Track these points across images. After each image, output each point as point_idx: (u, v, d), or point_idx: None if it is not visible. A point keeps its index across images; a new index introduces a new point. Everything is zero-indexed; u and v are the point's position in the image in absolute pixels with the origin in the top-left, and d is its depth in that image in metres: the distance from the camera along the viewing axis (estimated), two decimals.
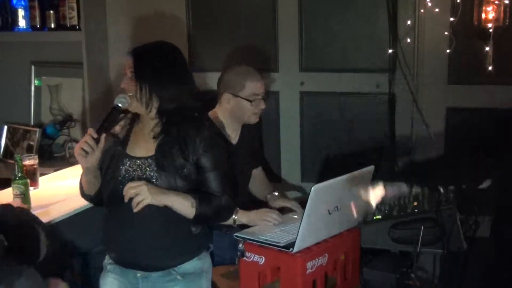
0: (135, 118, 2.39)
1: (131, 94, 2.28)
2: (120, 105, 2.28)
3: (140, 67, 2.28)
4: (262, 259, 2.58)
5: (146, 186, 2.22)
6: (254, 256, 2.59)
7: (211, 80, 3.55)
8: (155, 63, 2.29)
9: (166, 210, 2.25)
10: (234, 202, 2.45)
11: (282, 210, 3.03)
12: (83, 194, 2.45)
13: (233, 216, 2.78)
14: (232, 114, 3.00)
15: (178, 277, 2.35)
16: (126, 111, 2.35)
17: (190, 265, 2.39)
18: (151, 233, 2.30)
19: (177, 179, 2.26)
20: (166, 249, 2.32)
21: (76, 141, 4.02)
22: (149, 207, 2.22)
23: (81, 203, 2.82)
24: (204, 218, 2.32)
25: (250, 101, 2.96)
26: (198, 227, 2.36)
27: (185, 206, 2.25)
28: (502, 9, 3.41)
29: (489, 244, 3.68)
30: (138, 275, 2.37)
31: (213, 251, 2.84)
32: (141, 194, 2.21)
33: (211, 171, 2.31)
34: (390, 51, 3.74)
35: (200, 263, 2.42)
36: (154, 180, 2.26)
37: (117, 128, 2.39)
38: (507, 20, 3.41)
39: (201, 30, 4.18)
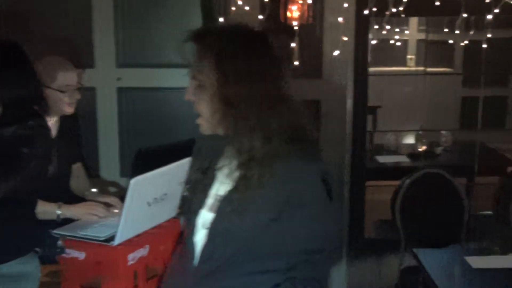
0: None
1: None
2: None
3: None
4: (83, 254, 2.58)
5: None
6: (74, 252, 2.58)
7: None
8: None
9: None
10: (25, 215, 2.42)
11: None
12: None
13: (57, 211, 2.74)
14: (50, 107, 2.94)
15: None
16: None
17: (6, 268, 2.33)
18: None
19: None
20: None
21: None
22: None
23: None
24: None
25: (63, 92, 2.92)
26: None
27: None
28: (305, 8, 3.65)
29: None
30: None
31: (41, 250, 2.79)
32: None
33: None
34: None
35: (20, 267, 2.37)
36: None
37: None
38: (310, 18, 3.66)
39: (11, 24, 4.03)
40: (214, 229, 1.72)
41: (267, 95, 1.66)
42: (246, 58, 1.66)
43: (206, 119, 1.75)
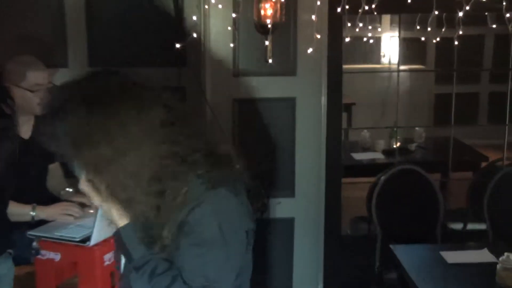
0: None
1: None
2: None
3: None
4: (58, 255, 2.56)
5: None
6: (50, 253, 2.56)
7: None
8: None
9: None
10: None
11: None
12: None
13: (31, 212, 2.71)
14: (17, 106, 2.90)
15: None
16: None
17: None
18: None
19: None
20: None
21: None
22: None
23: None
24: None
25: (32, 91, 2.88)
26: None
27: None
28: (278, 6, 3.65)
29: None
30: None
31: (14, 251, 2.75)
32: None
33: None
34: (177, 45, 3.84)
35: None
36: None
37: None
38: (283, 16, 3.66)
39: None
40: None
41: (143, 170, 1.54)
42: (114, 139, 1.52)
43: None
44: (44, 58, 3.07)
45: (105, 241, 2.55)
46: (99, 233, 2.51)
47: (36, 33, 3.91)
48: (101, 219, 2.49)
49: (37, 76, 2.91)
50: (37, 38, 3.90)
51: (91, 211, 2.91)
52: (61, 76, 3.86)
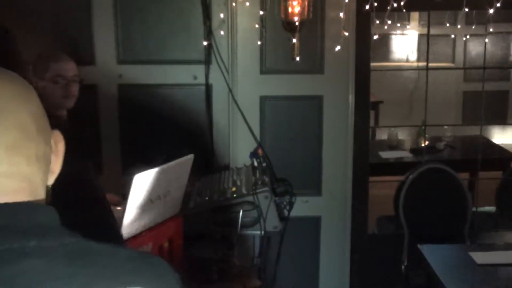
0: None
1: None
2: None
3: None
4: None
5: None
6: None
7: None
8: None
9: None
10: None
11: None
12: None
13: None
14: (43, 99, 2.88)
15: None
16: None
17: None
18: None
19: None
20: None
21: None
22: None
23: None
24: None
25: (56, 83, 2.86)
26: None
27: None
28: (306, 4, 3.63)
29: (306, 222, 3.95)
30: None
31: None
32: None
33: None
34: (205, 43, 3.85)
35: None
36: None
37: None
38: (311, 14, 3.64)
39: (10, 20, 4.00)
40: None
41: None
42: None
43: None
44: (71, 55, 3.08)
45: (132, 238, 2.57)
46: (127, 230, 2.52)
47: (63, 30, 3.94)
48: (129, 216, 2.50)
49: (59, 67, 2.88)
50: (64, 35, 3.92)
51: (118, 208, 2.92)
52: (89, 74, 3.91)
